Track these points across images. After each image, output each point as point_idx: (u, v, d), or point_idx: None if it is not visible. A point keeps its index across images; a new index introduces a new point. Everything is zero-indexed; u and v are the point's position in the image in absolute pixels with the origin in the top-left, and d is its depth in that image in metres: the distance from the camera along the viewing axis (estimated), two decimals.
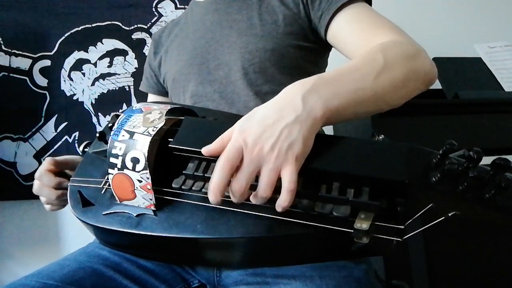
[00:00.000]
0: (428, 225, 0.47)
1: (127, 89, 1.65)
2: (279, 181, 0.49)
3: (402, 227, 0.48)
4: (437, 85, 1.41)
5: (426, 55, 0.68)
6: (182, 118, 0.60)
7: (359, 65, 0.61)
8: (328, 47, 0.84)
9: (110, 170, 0.58)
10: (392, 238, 0.48)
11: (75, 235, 1.60)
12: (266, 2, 0.85)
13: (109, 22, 1.65)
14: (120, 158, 0.57)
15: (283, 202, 0.49)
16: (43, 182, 0.76)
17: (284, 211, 0.50)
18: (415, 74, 0.64)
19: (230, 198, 0.52)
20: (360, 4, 0.78)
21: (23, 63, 1.59)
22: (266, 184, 0.48)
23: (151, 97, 1.09)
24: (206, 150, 0.53)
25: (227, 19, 0.87)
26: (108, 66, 1.64)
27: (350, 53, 0.77)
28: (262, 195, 0.48)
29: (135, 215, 0.59)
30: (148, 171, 0.56)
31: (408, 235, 0.48)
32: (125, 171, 0.57)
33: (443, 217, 0.45)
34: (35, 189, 0.77)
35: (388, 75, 0.60)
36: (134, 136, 0.57)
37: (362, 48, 0.72)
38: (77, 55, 1.62)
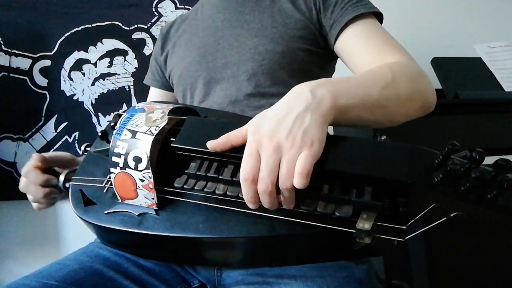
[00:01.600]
0: (430, 226, 0.47)
1: (127, 89, 1.64)
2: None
3: (404, 227, 0.48)
4: (437, 85, 1.42)
5: (430, 83, 0.69)
6: (185, 117, 0.60)
7: (368, 75, 0.62)
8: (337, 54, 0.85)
9: (112, 169, 0.58)
10: (394, 238, 0.48)
11: (75, 235, 1.60)
12: (279, 5, 0.86)
13: (109, 22, 1.65)
14: (123, 157, 0.57)
15: (294, 183, 0.47)
16: (29, 179, 0.72)
17: (291, 207, 0.51)
18: (418, 96, 0.65)
19: (232, 198, 0.52)
20: (371, 20, 0.79)
21: (23, 63, 1.59)
22: (287, 174, 0.47)
23: (153, 91, 1.08)
24: (210, 144, 0.53)
25: (239, 19, 0.87)
26: (108, 66, 1.64)
27: (355, 66, 0.78)
28: (283, 186, 0.47)
29: (137, 214, 0.59)
30: (150, 170, 0.56)
31: (410, 236, 0.48)
32: (127, 170, 0.57)
33: (445, 218, 0.46)
34: (21, 187, 0.73)
35: (394, 90, 0.60)
36: (136, 135, 0.57)
37: (368, 64, 0.73)
38: (77, 55, 1.62)
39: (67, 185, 0.70)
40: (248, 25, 0.85)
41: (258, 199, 0.49)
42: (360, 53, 0.76)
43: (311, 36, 0.83)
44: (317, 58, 0.84)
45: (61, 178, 0.72)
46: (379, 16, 0.82)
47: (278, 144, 0.47)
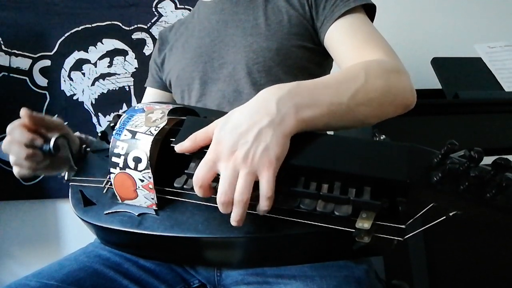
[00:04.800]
0: (429, 225, 0.47)
1: (127, 89, 1.64)
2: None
3: (403, 226, 0.48)
4: (437, 85, 1.42)
5: (408, 80, 0.68)
6: (184, 118, 0.60)
7: (340, 79, 0.61)
8: None
9: (112, 170, 0.58)
10: (393, 237, 0.48)
11: (75, 235, 1.60)
12: (273, 2, 0.86)
13: (109, 22, 1.64)
14: (122, 157, 0.57)
15: (262, 207, 0.50)
16: (13, 137, 0.66)
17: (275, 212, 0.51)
18: (392, 98, 0.65)
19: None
20: (359, 15, 0.79)
21: (23, 63, 1.59)
22: (242, 188, 0.48)
23: (150, 91, 1.08)
24: (178, 147, 0.55)
25: (233, 19, 0.87)
26: (108, 66, 1.64)
27: (339, 62, 0.79)
28: (238, 199, 0.49)
29: (136, 214, 0.59)
30: (150, 170, 0.56)
31: (409, 235, 0.48)
32: (127, 170, 0.57)
33: (444, 217, 0.46)
34: (4, 145, 0.67)
35: (366, 94, 0.60)
36: (136, 135, 0.57)
37: (350, 61, 0.73)
38: (77, 55, 1.62)
39: (54, 147, 0.65)
40: (242, 24, 0.85)
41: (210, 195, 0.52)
42: (343, 49, 0.77)
43: (305, 32, 0.83)
44: (312, 55, 0.84)
45: (52, 140, 0.65)
46: (371, 8, 0.82)
47: (236, 159, 0.49)
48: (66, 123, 1.58)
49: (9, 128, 0.67)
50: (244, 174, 0.48)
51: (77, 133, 0.78)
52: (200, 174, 0.51)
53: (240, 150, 0.49)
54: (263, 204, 0.50)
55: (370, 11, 0.82)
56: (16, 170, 0.70)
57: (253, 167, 0.48)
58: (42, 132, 0.69)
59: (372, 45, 0.74)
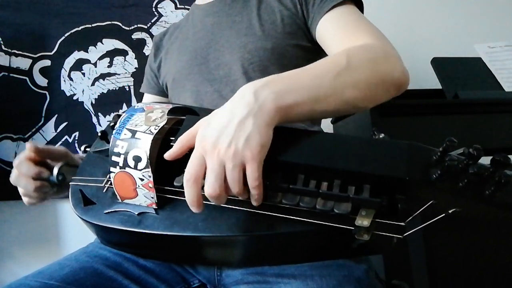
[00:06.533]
0: (429, 222, 0.47)
1: (127, 89, 1.65)
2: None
3: (402, 224, 0.48)
4: (437, 85, 1.42)
5: (397, 61, 0.68)
6: (184, 117, 0.60)
7: (319, 65, 0.61)
8: None
9: (112, 169, 0.58)
10: (392, 235, 0.48)
11: (75, 235, 1.60)
12: (265, 3, 0.87)
13: (109, 22, 1.65)
14: (122, 156, 0.57)
15: (252, 197, 0.51)
16: (21, 171, 0.69)
17: (259, 205, 0.52)
18: (380, 78, 0.64)
19: (231, 196, 0.52)
20: (348, 6, 0.79)
21: (23, 63, 1.59)
22: (233, 182, 0.49)
23: (147, 97, 1.10)
24: (168, 155, 0.55)
25: (227, 21, 0.88)
26: (108, 66, 1.64)
27: (330, 53, 0.79)
28: (234, 192, 0.50)
29: (136, 213, 0.59)
30: (150, 169, 0.56)
31: (409, 232, 0.48)
32: (127, 169, 0.57)
33: (444, 214, 0.46)
34: (12, 179, 0.70)
35: (349, 75, 0.60)
36: (136, 134, 0.57)
37: (337, 50, 0.72)
38: (77, 55, 1.63)
39: (60, 177, 0.69)
40: (236, 26, 0.86)
41: (201, 202, 0.51)
42: (333, 40, 0.77)
43: (298, 31, 0.83)
44: (307, 53, 0.85)
45: (55, 170, 0.70)
46: (360, 4, 0.82)
47: (220, 152, 0.49)
48: (66, 123, 1.60)
49: (15, 162, 0.70)
50: (231, 168, 0.49)
51: (79, 154, 0.80)
52: (191, 169, 0.50)
53: (222, 143, 0.49)
54: (253, 193, 0.50)
55: (359, 6, 0.82)
56: (25, 200, 0.73)
57: (237, 159, 0.48)
58: (47, 163, 0.72)
59: (361, 31, 0.74)
